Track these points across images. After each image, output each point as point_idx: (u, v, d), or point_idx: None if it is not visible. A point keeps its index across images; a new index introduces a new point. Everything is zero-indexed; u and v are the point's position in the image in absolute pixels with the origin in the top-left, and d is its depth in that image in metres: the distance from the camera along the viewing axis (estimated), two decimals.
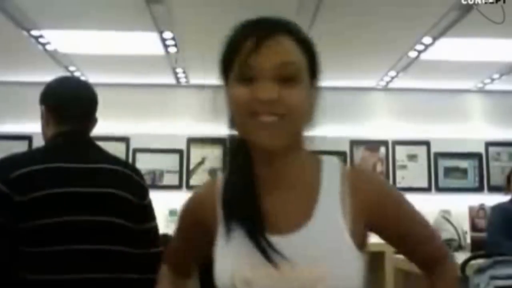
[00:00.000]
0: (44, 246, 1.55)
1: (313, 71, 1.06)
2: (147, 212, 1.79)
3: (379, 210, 1.03)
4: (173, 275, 1.20)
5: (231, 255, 0.98)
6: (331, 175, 1.04)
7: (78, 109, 1.79)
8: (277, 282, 0.95)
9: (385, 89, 7.01)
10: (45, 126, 1.79)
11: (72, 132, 1.75)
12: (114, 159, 1.81)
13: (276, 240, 0.95)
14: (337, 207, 1.00)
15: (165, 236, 4.89)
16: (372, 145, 6.95)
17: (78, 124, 1.77)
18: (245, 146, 1.04)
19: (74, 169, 1.65)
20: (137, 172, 1.83)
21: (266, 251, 0.93)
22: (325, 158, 1.11)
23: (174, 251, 1.20)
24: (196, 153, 7.00)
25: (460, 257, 3.86)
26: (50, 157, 1.66)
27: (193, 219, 1.10)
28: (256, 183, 1.00)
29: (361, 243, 1.06)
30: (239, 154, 1.05)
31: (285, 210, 0.99)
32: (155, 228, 1.82)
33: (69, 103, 1.78)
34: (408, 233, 1.12)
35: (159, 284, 1.22)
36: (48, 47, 5.54)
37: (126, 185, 1.72)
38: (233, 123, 1.09)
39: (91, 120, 1.82)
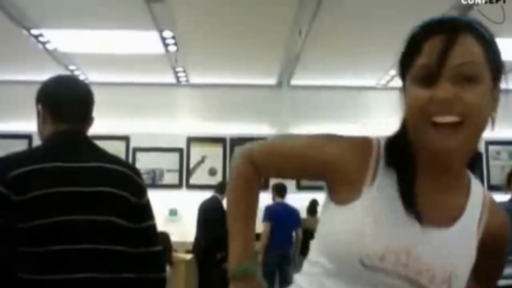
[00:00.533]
0: (43, 246, 1.55)
1: (495, 72, 1.00)
2: (146, 211, 1.79)
3: (492, 244, 1.10)
4: (255, 176, 1.10)
5: (373, 224, 0.97)
6: (477, 194, 1.08)
7: (76, 109, 1.77)
8: (410, 266, 0.97)
9: (386, 88, 7.01)
10: (41, 124, 1.77)
11: (70, 131, 1.74)
12: (112, 158, 1.79)
13: (422, 229, 0.98)
14: (476, 223, 1.06)
15: (163, 234, 4.92)
16: None
17: (75, 124, 1.76)
18: (409, 148, 1.03)
19: (72, 168, 1.65)
20: (135, 171, 1.83)
21: (415, 231, 0.97)
22: (472, 177, 1.12)
23: (268, 156, 1.11)
24: (196, 152, 7.01)
25: None
26: (48, 157, 1.66)
27: (326, 164, 1.06)
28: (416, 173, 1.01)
29: None
30: (402, 152, 1.03)
31: (438, 207, 1.01)
32: (154, 227, 1.81)
33: (67, 102, 1.76)
34: (490, 269, 1.18)
35: (240, 184, 1.10)
36: (48, 46, 5.54)
37: (124, 184, 1.71)
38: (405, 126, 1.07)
39: (88, 120, 1.82)
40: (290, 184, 6.15)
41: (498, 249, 1.14)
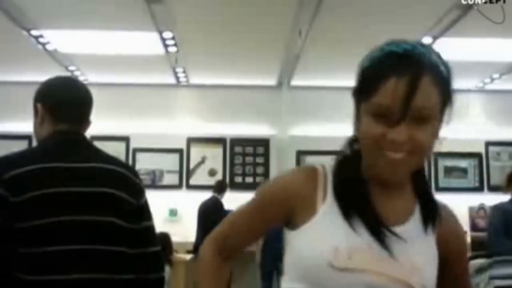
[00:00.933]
0: (41, 246, 1.55)
1: (445, 106, 1.07)
2: (144, 212, 1.79)
3: (450, 246, 1.14)
4: (219, 260, 1.21)
5: (333, 229, 1.05)
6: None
7: (75, 109, 1.77)
8: (377, 262, 1.02)
9: None
10: (39, 124, 1.76)
11: (69, 131, 1.74)
12: (111, 159, 1.79)
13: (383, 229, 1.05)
14: (433, 229, 1.12)
15: (164, 234, 4.92)
16: None
17: (74, 124, 1.76)
18: (358, 159, 1.11)
19: (71, 168, 1.64)
20: (134, 172, 1.83)
21: (382, 233, 1.03)
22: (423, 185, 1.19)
23: (231, 233, 1.20)
24: (196, 153, 7.01)
25: None
26: (46, 157, 1.65)
27: (282, 198, 1.13)
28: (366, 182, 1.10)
29: None
30: (351, 162, 1.12)
31: (389, 209, 1.07)
32: (152, 227, 1.81)
33: (67, 103, 1.76)
34: (457, 274, 1.19)
35: (206, 270, 1.21)
36: (48, 46, 5.54)
37: (123, 185, 1.71)
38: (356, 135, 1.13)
39: (87, 121, 1.82)
40: None
41: (461, 253, 1.20)
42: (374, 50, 1.06)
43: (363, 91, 1.04)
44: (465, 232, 1.16)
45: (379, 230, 1.04)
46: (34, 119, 1.78)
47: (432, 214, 1.12)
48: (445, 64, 1.06)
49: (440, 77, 1.03)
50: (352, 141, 1.15)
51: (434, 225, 1.11)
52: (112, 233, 1.66)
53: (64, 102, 1.75)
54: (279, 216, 1.13)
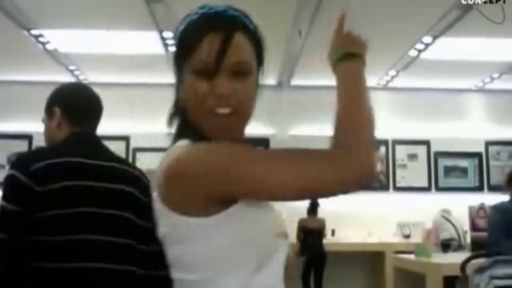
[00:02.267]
0: (59, 235, 1.62)
1: (260, 61, 1.17)
2: (152, 212, 1.89)
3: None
4: None
5: (269, 215, 1.07)
6: None
7: (90, 113, 1.94)
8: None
9: (386, 88, 7.02)
10: (55, 127, 1.90)
11: (86, 133, 1.89)
12: (124, 161, 1.94)
13: None
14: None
15: None
16: None
17: (89, 126, 1.92)
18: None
19: (91, 165, 1.75)
20: (143, 173, 1.96)
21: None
22: None
23: None
24: None
25: (460, 257, 3.86)
26: (69, 152, 1.77)
27: None
28: None
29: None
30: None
31: None
32: None
33: (83, 107, 1.92)
34: None
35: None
36: (48, 46, 5.54)
37: (137, 184, 1.83)
38: (179, 109, 1.21)
39: (97, 124, 1.98)
40: None
41: None
42: (188, 14, 1.11)
43: (183, 52, 1.09)
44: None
45: None
46: (48, 123, 1.93)
47: None
48: (254, 25, 1.14)
49: (252, 35, 1.12)
50: (177, 110, 1.21)
51: None
52: (127, 227, 1.75)
53: (81, 106, 1.93)
54: None
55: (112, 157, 1.88)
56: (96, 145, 1.89)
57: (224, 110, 1.04)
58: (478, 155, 7.04)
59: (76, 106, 1.91)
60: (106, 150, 1.91)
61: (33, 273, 1.60)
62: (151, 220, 1.81)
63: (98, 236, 1.68)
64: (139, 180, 1.86)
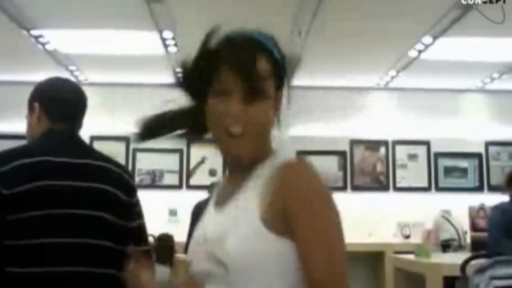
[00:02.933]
0: (31, 238, 1.56)
1: (279, 82, 1.20)
2: (136, 210, 1.82)
3: (284, 202, 1.05)
4: None
5: None
6: (267, 167, 1.13)
7: (70, 109, 1.83)
8: (198, 252, 1.12)
9: (385, 88, 7.01)
10: (34, 122, 1.81)
11: (64, 130, 1.79)
12: (107, 158, 1.83)
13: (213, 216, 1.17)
14: (256, 194, 1.08)
15: (168, 236, 4.91)
16: (372, 145, 6.95)
17: (70, 123, 1.81)
18: None
19: (63, 163, 1.67)
20: (127, 171, 1.88)
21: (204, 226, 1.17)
22: (275, 156, 1.18)
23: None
24: (196, 153, 7.00)
25: (460, 257, 3.86)
26: (39, 151, 1.68)
27: None
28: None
29: (279, 229, 1.04)
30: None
31: (228, 194, 1.16)
32: (143, 225, 1.85)
33: (63, 103, 1.82)
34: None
35: None
36: (48, 46, 5.54)
37: (116, 183, 1.75)
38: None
39: (80, 121, 1.86)
40: None
41: (295, 208, 1.04)
42: (212, 33, 1.17)
43: (205, 73, 1.14)
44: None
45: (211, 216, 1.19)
46: (29, 118, 1.83)
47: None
48: (279, 49, 1.17)
49: (271, 55, 1.14)
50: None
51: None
52: (102, 228, 1.68)
53: (61, 102, 1.81)
54: None
55: (92, 155, 1.79)
56: (73, 143, 1.78)
57: (236, 130, 1.10)
58: (478, 155, 7.04)
59: (55, 101, 1.80)
60: (86, 148, 1.83)
61: (5, 278, 1.55)
62: (130, 219, 1.77)
63: (72, 239, 1.61)
64: (122, 178, 1.78)
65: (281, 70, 1.18)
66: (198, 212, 6.26)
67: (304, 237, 1.03)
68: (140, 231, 1.83)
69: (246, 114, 1.09)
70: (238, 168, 1.17)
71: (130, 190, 1.80)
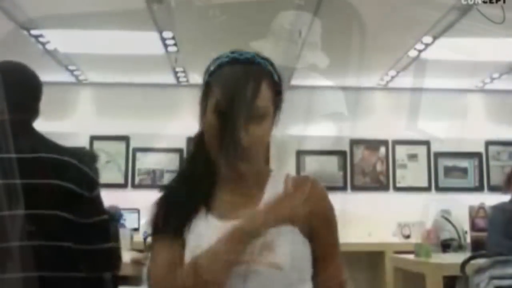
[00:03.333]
0: None
1: (278, 102, 1.25)
2: (95, 205, 1.67)
3: (314, 212, 1.22)
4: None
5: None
6: (277, 181, 1.24)
7: (18, 98, 1.67)
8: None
9: (385, 88, 7.01)
10: None
11: (15, 121, 1.61)
12: (58, 148, 1.66)
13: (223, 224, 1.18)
14: None
15: None
16: (372, 145, 6.96)
17: (17, 113, 1.64)
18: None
19: (4, 159, 1.52)
20: (87, 163, 1.69)
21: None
22: (275, 172, 1.31)
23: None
24: None
25: (460, 257, 3.86)
26: None
27: None
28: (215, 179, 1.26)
29: (305, 234, 1.25)
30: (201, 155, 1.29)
31: (236, 205, 1.21)
32: (105, 222, 1.68)
33: (10, 90, 1.66)
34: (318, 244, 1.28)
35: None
36: (48, 46, 5.54)
37: (70, 176, 1.60)
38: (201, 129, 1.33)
39: (33, 110, 1.71)
40: None
41: (323, 219, 1.27)
42: (220, 57, 1.23)
43: (210, 90, 1.22)
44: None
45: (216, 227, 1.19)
46: None
47: None
48: (277, 71, 1.25)
49: (274, 83, 1.22)
50: (199, 138, 1.33)
51: None
52: (57, 227, 1.55)
53: (7, 90, 1.65)
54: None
55: (43, 146, 1.62)
56: (21, 136, 1.61)
57: (241, 148, 1.15)
58: (478, 155, 7.04)
59: (5, 90, 1.63)
60: (35, 140, 1.65)
61: None
62: (87, 216, 1.58)
63: (24, 242, 1.47)
64: (76, 170, 1.62)
65: (279, 89, 1.25)
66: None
67: (333, 244, 1.32)
68: (100, 228, 1.67)
69: (250, 134, 1.16)
70: (239, 182, 1.23)
71: (88, 182, 1.65)
